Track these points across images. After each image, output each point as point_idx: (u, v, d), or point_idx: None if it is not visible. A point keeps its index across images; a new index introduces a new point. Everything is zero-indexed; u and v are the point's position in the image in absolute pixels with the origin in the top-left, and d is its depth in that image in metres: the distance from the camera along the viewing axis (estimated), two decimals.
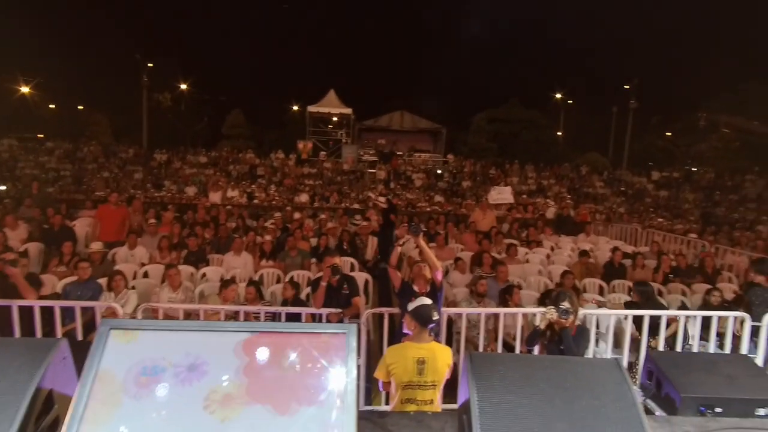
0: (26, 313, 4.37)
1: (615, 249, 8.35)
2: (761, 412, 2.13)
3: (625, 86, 28.61)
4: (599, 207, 17.72)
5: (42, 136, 25.67)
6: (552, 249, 9.64)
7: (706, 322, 4.94)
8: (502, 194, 12.82)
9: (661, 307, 5.32)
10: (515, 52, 39.65)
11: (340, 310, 4.87)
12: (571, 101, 34.42)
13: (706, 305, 5.61)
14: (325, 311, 4.85)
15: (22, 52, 28.70)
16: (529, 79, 37.01)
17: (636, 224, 13.13)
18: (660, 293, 7.04)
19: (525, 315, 5.13)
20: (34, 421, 1.54)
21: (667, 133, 33.54)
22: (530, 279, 7.42)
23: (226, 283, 5.62)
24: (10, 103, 28.33)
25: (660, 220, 15.87)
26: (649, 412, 2.30)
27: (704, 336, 5.00)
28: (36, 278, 5.50)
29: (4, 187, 14.98)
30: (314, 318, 4.91)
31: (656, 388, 2.42)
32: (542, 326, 3.79)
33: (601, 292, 7.16)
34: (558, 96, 33.83)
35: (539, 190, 20.51)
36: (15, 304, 4.34)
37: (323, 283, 4.87)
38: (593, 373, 1.71)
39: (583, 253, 8.08)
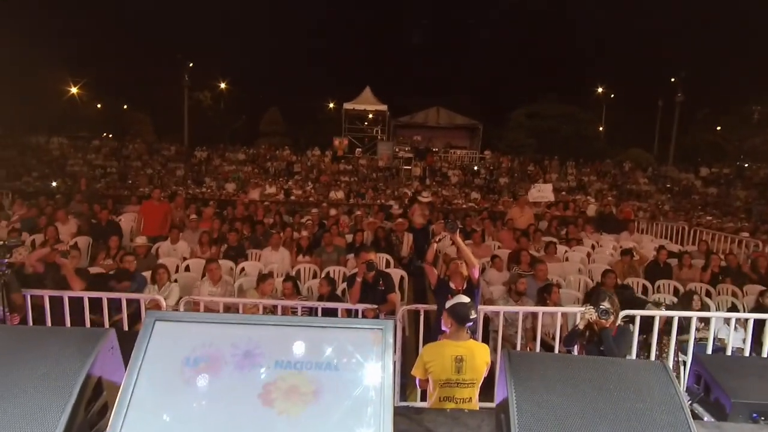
0: (76, 303, 4.56)
1: (660, 248, 8.05)
2: None
3: (671, 78, 27.52)
4: (643, 204, 17.15)
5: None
6: (593, 247, 9.40)
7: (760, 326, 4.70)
8: (542, 192, 12.53)
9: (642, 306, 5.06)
10: (553, 46, 38.55)
11: (375, 306, 4.89)
12: (612, 95, 33.36)
13: (759, 307, 5.35)
14: (360, 307, 4.87)
15: (69, 53, 29.99)
16: (568, 73, 35.97)
17: (683, 222, 12.62)
18: (708, 294, 6.77)
19: (564, 314, 5.01)
20: (84, 407, 1.60)
21: (717, 128, 32.07)
22: (570, 278, 7.24)
23: (263, 278, 5.73)
24: (60, 103, 29.66)
25: (709, 218, 15.20)
26: (696, 417, 2.20)
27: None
28: (128, 273, 5.79)
29: (55, 183, 15.71)
30: (350, 314, 4.93)
31: (704, 392, 2.32)
32: (581, 326, 3.68)
33: (644, 292, 6.92)
34: (599, 90, 32.85)
35: (579, 186, 20.03)
36: (66, 294, 4.54)
37: (359, 279, 4.90)
38: (638, 375, 1.65)
39: (626, 252, 7.83)
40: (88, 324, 4.51)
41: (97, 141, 23.40)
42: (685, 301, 5.47)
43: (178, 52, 27.12)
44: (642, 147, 28.99)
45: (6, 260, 3.73)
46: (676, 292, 6.83)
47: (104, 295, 4.72)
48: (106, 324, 4.58)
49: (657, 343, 4.63)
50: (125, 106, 34.04)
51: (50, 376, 1.59)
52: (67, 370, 1.61)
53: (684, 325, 4.79)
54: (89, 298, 4.62)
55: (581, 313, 3.74)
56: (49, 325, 4.39)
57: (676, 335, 4.66)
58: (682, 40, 32.53)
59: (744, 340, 4.80)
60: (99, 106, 33.81)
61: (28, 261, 5.32)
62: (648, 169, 23.77)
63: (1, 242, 3.78)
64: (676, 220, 13.13)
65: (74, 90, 30.09)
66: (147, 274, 5.93)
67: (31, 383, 1.57)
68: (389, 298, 5.09)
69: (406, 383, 4.66)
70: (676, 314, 4.67)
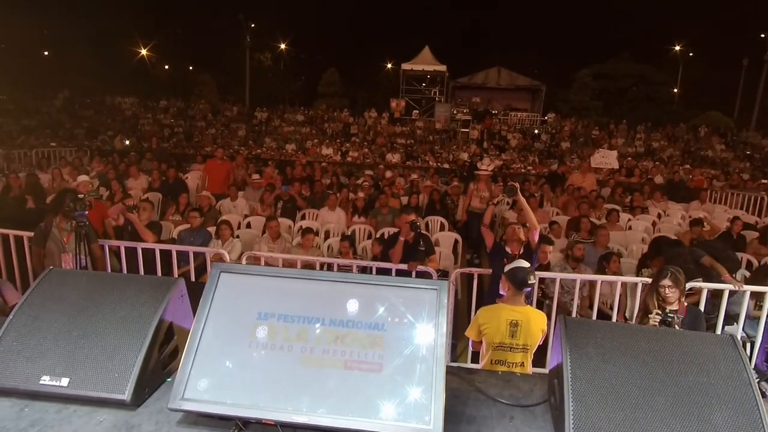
0: (148, 255, 4.88)
1: (734, 218, 7.55)
2: None
3: (761, 35, 24.98)
4: (718, 172, 16.01)
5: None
6: (659, 216, 8.95)
7: None
8: (606, 158, 11.97)
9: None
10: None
11: (421, 261, 4.94)
12: (691, 54, 30.77)
13: None
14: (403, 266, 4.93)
15: (138, 17, 31.02)
16: (643, 28, 33.43)
17: (762, 192, 11.70)
18: None
19: (624, 284, 4.85)
20: (157, 349, 1.73)
21: None
22: (632, 247, 6.96)
23: (304, 232, 6.03)
24: (132, 65, 31.03)
25: None
26: (763, 396, 2.10)
27: None
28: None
29: (128, 142, 16.59)
30: (402, 275, 4.99)
31: None
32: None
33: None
34: (677, 48, 30.37)
35: (648, 152, 18.93)
36: (139, 246, 4.85)
37: (401, 239, 4.94)
38: (704, 348, 1.59)
39: (696, 222, 7.39)
40: (159, 274, 4.82)
41: (164, 101, 24.33)
42: (759, 275, 5.13)
43: (240, 12, 27.38)
44: (721, 110, 26.80)
45: (86, 213, 4.01)
46: (749, 266, 6.43)
47: (173, 248, 5.01)
48: (175, 274, 4.88)
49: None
50: (191, 68, 35.08)
51: (128, 319, 1.73)
52: (142, 314, 1.74)
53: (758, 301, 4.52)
54: (160, 250, 4.93)
55: (651, 318, 3.36)
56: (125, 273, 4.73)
57: (746, 311, 4.42)
58: None
59: None
60: (167, 67, 35.07)
61: (110, 214, 5.72)
62: (727, 134, 22.03)
63: (81, 196, 4.04)
64: (755, 190, 12.18)
65: (144, 52, 31.33)
66: (210, 229, 6.23)
67: (112, 325, 1.72)
68: (430, 258, 5.14)
69: (456, 345, 4.71)
70: (748, 288, 4.41)
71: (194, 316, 1.63)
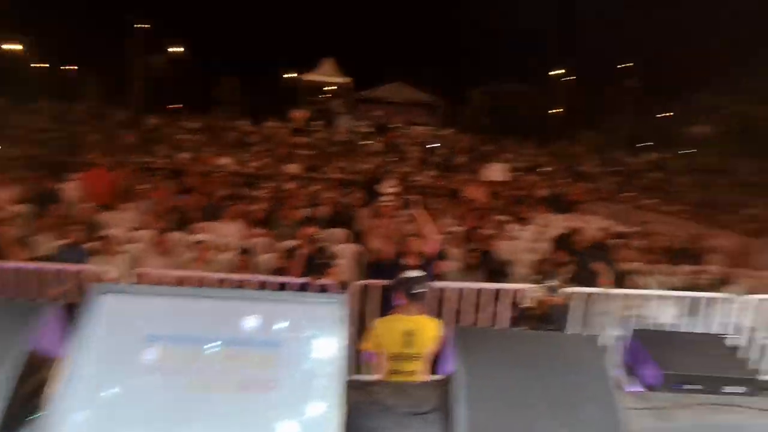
0: (19, 274, 4.37)
1: (604, 228, 8.41)
2: (730, 389, 2.20)
3: (622, 65, 28.34)
4: (591, 186, 17.78)
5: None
6: (542, 227, 9.71)
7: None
8: (496, 171, 12.84)
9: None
10: (520, 24, 38.64)
11: (320, 276, 4.92)
12: (572, 78, 34.09)
13: (695, 287, 5.70)
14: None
15: (12, 11, 27.89)
16: (530, 53, 36.31)
17: (628, 204, 13.19)
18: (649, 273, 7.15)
19: (515, 291, 5.18)
20: (24, 381, 1.55)
21: (667, 114, 33.31)
22: (520, 256, 7.47)
23: (200, 246, 5.88)
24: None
25: (652, 201, 15.91)
26: (627, 389, 2.36)
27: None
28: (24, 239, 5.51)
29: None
30: (302, 288, 4.93)
31: (637, 364, 2.48)
32: (530, 304, 3.72)
33: None
34: (557, 72, 33.48)
35: (533, 167, 20.54)
36: (4, 266, 4.33)
37: (302, 251, 4.92)
38: (572, 349, 1.76)
39: (574, 232, 8.11)
40: (31, 296, 4.34)
41: (41, 103, 22.02)
42: (623, 279, 5.75)
43: (129, 13, 25.68)
44: (594, 130, 29.90)
45: None
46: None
47: (47, 267, 4.54)
48: (48, 297, 4.41)
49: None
50: (74, 67, 32.22)
51: None
52: (6, 343, 1.55)
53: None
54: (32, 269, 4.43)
55: (531, 292, 3.74)
56: None
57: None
58: (645, 24, 33.10)
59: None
60: (43, 66, 31.87)
61: None
62: (600, 151, 24.57)
63: None
64: (622, 203, 13.71)
65: (13, 47, 28.20)
66: (91, 245, 5.69)
67: None
68: (330, 271, 5.14)
69: (357, 357, 4.73)
70: (619, 291, 4.97)
71: (70, 342, 1.49)
